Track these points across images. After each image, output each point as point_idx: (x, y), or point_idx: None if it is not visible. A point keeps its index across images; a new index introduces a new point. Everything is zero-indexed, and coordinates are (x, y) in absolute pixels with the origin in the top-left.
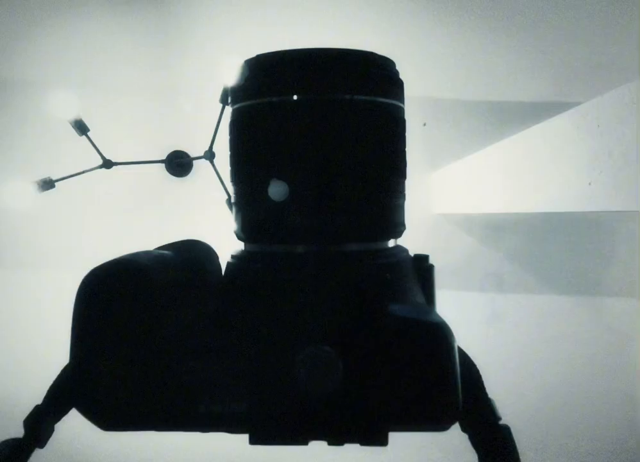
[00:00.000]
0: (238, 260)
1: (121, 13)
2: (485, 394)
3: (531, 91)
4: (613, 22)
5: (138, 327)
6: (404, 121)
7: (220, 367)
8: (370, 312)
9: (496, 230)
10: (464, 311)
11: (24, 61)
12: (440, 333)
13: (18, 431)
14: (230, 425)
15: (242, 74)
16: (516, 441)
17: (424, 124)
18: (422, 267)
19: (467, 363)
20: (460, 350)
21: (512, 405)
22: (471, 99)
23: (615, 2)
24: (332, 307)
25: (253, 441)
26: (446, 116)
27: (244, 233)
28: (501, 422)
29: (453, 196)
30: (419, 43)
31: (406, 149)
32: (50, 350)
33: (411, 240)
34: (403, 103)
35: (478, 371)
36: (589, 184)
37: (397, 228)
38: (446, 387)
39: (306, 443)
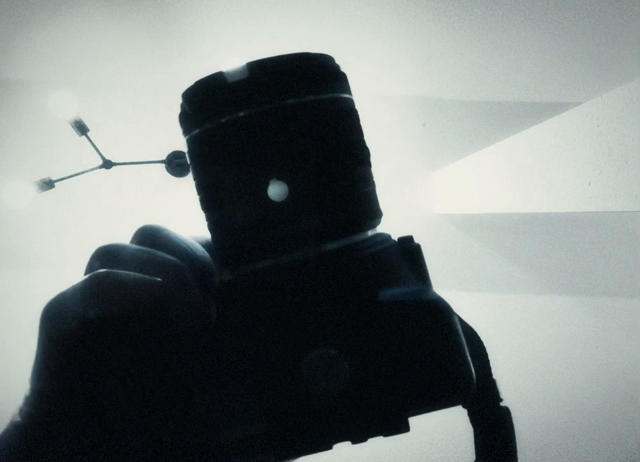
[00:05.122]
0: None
1: (121, 13)
2: (490, 372)
3: (531, 91)
4: (613, 22)
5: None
6: (355, 111)
7: (230, 392)
8: (364, 304)
9: (496, 230)
10: (463, 311)
11: (24, 61)
12: (435, 309)
13: None
14: (253, 449)
15: (183, 105)
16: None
17: (424, 124)
18: (408, 249)
19: (475, 339)
20: (467, 325)
21: (511, 405)
22: (471, 99)
23: (615, 2)
24: (326, 308)
25: (279, 458)
26: (446, 116)
27: (222, 259)
28: (502, 404)
29: (453, 196)
30: (418, 43)
31: (365, 138)
32: None
33: None
34: (350, 94)
35: (485, 349)
36: (589, 184)
37: (373, 215)
38: (452, 360)
39: (331, 447)
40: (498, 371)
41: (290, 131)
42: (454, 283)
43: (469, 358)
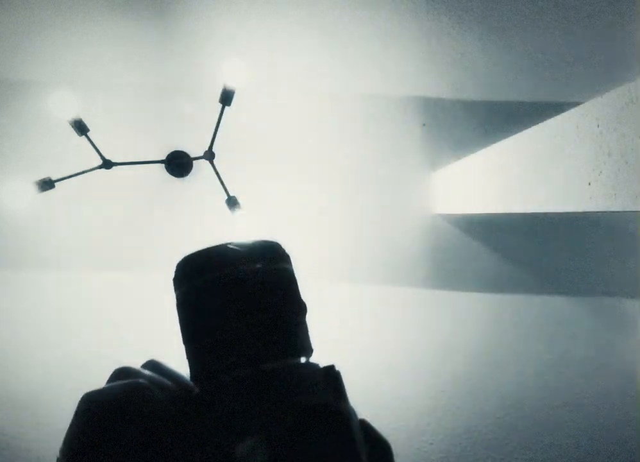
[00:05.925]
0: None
1: (121, 13)
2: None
3: (531, 91)
4: (613, 22)
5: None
6: (295, 278)
7: None
8: (287, 407)
9: (496, 230)
10: (463, 311)
11: (24, 61)
12: (337, 413)
13: (17, 430)
14: None
15: (177, 271)
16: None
17: (424, 124)
18: (331, 373)
19: (382, 444)
20: (378, 436)
21: (512, 405)
22: (471, 99)
23: (615, 2)
24: (260, 409)
25: None
26: (446, 116)
27: (195, 379)
28: None
29: (453, 196)
30: (418, 42)
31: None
32: (50, 349)
33: (411, 240)
34: (292, 266)
35: (391, 452)
36: (589, 184)
37: (304, 347)
38: (345, 452)
39: None
40: (497, 371)
41: (247, 289)
42: (454, 283)
43: (363, 454)
